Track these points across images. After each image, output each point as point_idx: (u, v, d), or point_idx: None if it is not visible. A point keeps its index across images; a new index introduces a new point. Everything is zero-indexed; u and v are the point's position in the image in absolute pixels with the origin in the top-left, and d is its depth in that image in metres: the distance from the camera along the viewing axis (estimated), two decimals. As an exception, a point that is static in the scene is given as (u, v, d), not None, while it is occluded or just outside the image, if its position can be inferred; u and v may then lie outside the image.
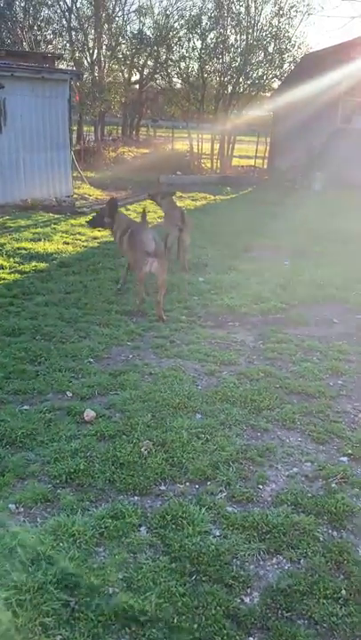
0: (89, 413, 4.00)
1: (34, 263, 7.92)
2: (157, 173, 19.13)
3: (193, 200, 15.49)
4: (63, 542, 2.80)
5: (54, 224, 10.77)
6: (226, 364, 4.98)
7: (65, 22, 25.99)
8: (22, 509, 3.08)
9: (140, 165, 21.19)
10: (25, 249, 8.48)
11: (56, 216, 11.49)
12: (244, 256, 8.92)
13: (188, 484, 3.37)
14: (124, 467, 3.45)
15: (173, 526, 2.98)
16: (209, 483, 3.38)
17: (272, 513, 3.10)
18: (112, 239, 9.65)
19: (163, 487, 3.33)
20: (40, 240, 9.25)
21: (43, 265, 7.89)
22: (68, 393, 4.34)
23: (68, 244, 9.23)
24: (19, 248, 8.59)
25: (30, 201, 12.44)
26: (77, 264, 8.03)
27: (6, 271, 7.58)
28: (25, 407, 4.10)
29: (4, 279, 7.18)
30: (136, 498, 3.22)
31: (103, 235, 10.04)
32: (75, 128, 25.72)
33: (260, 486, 3.38)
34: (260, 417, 4.12)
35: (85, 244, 9.29)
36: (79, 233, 10.09)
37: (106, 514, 3.02)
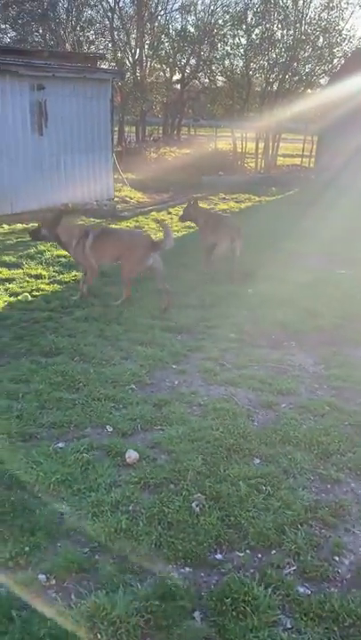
0: (131, 455, 3.51)
1: (74, 272, 7.52)
2: (199, 174, 18.61)
3: (237, 202, 14.91)
4: (102, 634, 2.32)
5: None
6: (284, 394, 4.42)
7: (107, 22, 25.76)
8: (54, 581, 2.62)
9: (181, 166, 20.67)
10: (65, 257, 8.06)
11: (97, 221, 11.12)
12: (295, 264, 8.29)
13: (248, 551, 2.84)
14: (172, 527, 2.95)
15: (234, 613, 2.45)
16: (274, 551, 2.84)
17: (354, 598, 2.54)
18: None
19: (219, 555, 2.81)
20: (80, 246, 8.85)
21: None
22: (108, 427, 3.87)
23: (108, 250, 8.80)
24: (58, 256, 8.21)
25: (71, 205, 12.12)
26: (118, 273, 7.57)
27: (45, 281, 7.21)
28: (60, 445, 3.65)
29: (42, 290, 6.81)
30: (188, 569, 2.72)
31: (145, 241, 9.59)
32: (116, 129, 25.53)
33: (336, 557, 2.82)
34: (329, 464, 3.55)
35: (127, 250, 8.84)
36: (120, 239, 9.65)
37: (152, 593, 2.52)
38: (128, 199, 14.30)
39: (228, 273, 7.48)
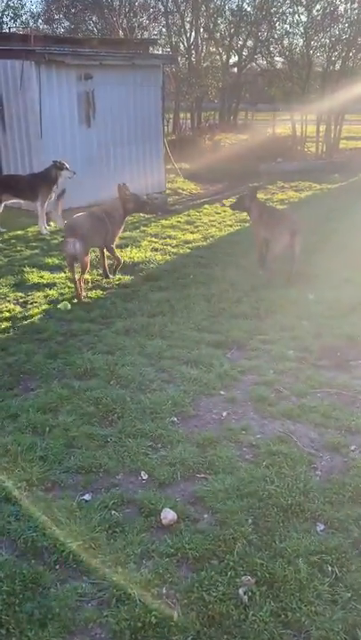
0: (167, 516, 2.94)
1: (118, 276, 7.01)
2: (257, 161, 17.69)
3: (296, 190, 13.96)
4: None
5: (144, 226, 9.84)
6: (353, 433, 3.71)
7: (161, 6, 25.01)
8: None
9: (238, 153, 19.76)
10: (109, 258, 7.57)
11: (146, 216, 10.56)
12: (363, 263, 7.43)
13: (311, 668, 2.21)
14: (214, 622, 2.36)
15: None
16: (344, 670, 2.20)
17: None
18: (204, 243, 8.65)
19: (272, 672, 2.20)
20: (127, 246, 8.34)
21: (127, 278, 6.96)
22: (142, 474, 3.32)
23: (156, 250, 8.24)
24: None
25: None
26: (165, 277, 7.01)
27: (88, 286, 6.74)
28: (86, 497, 3.13)
29: (86, 298, 6.33)
30: None
31: (195, 238, 8.97)
32: (171, 116, 24.87)
33: None
34: None
35: (175, 250, 8.25)
36: (169, 236, 9.07)
37: None
38: (181, 191, 13.68)
39: (286, 275, 6.75)
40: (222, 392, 4.25)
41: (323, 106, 19.02)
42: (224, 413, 3.96)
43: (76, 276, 6.26)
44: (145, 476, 3.30)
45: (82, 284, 6.33)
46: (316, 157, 19.48)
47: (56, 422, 3.79)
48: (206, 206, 11.78)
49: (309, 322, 5.57)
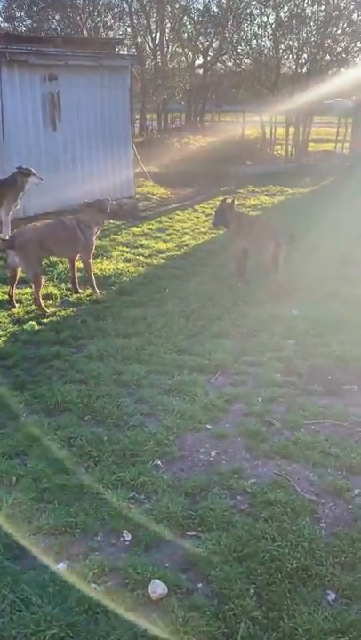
0: (156, 589, 2.55)
1: (89, 290, 6.56)
2: (226, 164, 17.40)
3: (268, 195, 13.72)
4: None
5: (114, 234, 9.40)
6: (356, 473, 3.38)
7: (126, 6, 24.54)
8: None
9: (207, 155, 19.44)
10: (79, 270, 7.05)
11: (116, 223, 10.12)
12: (346, 274, 7.17)
13: None
14: None
15: None
16: None
17: None
18: (178, 252, 8.26)
19: None
20: (97, 256, 7.88)
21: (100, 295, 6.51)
22: (125, 533, 2.91)
23: (129, 261, 7.81)
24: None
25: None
26: (140, 291, 6.60)
27: (56, 302, 6.27)
28: (61, 565, 2.71)
29: (52, 315, 5.86)
30: None
31: (169, 247, 8.58)
32: (137, 117, 24.41)
33: None
34: None
35: (149, 260, 7.84)
36: (142, 245, 8.66)
37: None
38: (150, 195, 13.27)
39: (267, 288, 6.43)
40: (209, 426, 3.87)
41: (292, 108, 18.91)
42: (213, 453, 3.58)
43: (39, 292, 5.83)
44: (128, 537, 2.89)
45: (39, 300, 5.90)
46: (286, 160, 19.38)
47: (24, 470, 3.34)
48: (178, 212, 11.40)
49: (296, 341, 5.24)
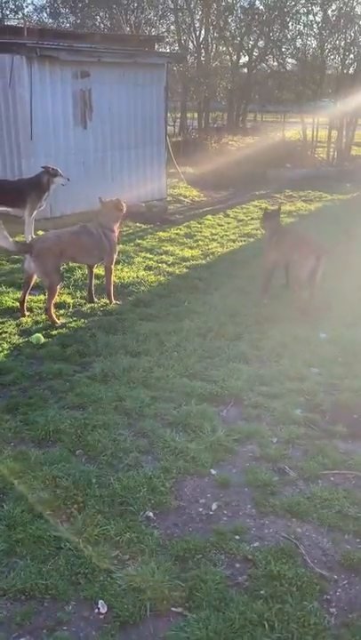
0: None
1: (103, 300, 6.20)
2: (265, 166, 16.82)
3: (305, 201, 13.13)
4: None
5: (139, 238, 9.03)
6: (377, 543, 2.89)
7: (170, 2, 24.14)
8: None
9: (245, 157, 18.86)
10: (97, 277, 6.68)
11: (143, 226, 9.77)
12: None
13: None
14: None
15: None
16: None
17: None
18: (203, 261, 7.82)
19: None
20: (118, 262, 7.51)
21: (113, 306, 6.14)
22: (100, 605, 2.51)
23: (150, 269, 7.42)
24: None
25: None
26: (157, 303, 6.20)
27: (68, 312, 5.94)
28: (21, 642, 2.33)
29: (60, 327, 5.51)
30: None
31: (194, 255, 8.15)
32: (178, 116, 24.02)
33: None
34: None
35: (171, 269, 7.42)
36: (166, 252, 8.26)
37: None
38: (182, 198, 12.86)
39: (295, 306, 5.94)
40: (213, 471, 3.43)
41: (336, 110, 18.18)
42: (213, 506, 3.14)
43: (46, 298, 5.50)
44: (103, 608, 2.49)
45: (50, 311, 5.57)
46: (327, 164, 18.64)
47: (0, 514, 2.98)
48: (208, 216, 10.96)
49: (321, 369, 4.74)
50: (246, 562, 2.75)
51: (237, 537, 2.90)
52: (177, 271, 7.32)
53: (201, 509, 3.12)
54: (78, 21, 25.04)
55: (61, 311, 5.92)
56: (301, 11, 19.63)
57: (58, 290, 5.74)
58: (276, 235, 6.24)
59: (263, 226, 6.52)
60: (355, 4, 18.24)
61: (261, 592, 2.56)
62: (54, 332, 5.39)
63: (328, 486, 3.29)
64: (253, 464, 3.49)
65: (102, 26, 25.21)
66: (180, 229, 9.76)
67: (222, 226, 10.23)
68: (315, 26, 19.17)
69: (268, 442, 3.72)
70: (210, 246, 8.69)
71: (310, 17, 19.33)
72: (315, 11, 19.08)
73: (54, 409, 4.00)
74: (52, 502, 3.08)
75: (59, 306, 5.99)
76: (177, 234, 9.45)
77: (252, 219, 10.85)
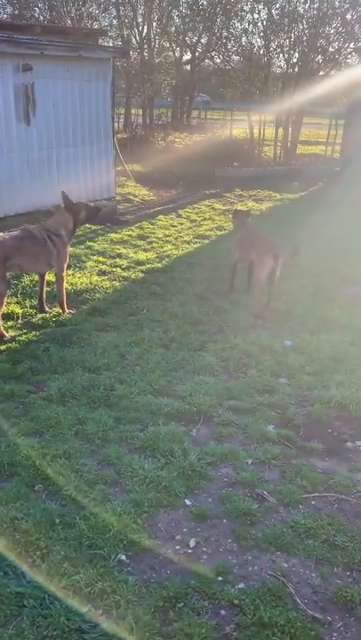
0: None
1: (55, 309, 5.82)
2: (212, 165, 16.68)
3: (256, 200, 13.06)
4: None
5: (90, 240, 8.64)
6: (369, 576, 2.71)
7: (112, -4, 23.61)
8: None
9: (192, 155, 18.71)
10: (48, 284, 6.28)
11: (93, 227, 9.36)
12: (343, 295, 6.53)
13: None
14: None
15: None
16: None
17: None
18: (159, 265, 7.54)
19: None
20: (70, 267, 7.11)
21: (67, 316, 5.76)
22: (72, 675, 2.20)
23: (104, 274, 7.06)
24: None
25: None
26: (114, 311, 5.87)
27: (18, 324, 5.51)
28: None
29: (9, 342, 5.09)
30: None
31: (149, 258, 7.85)
32: (122, 112, 23.53)
33: None
34: None
35: (126, 273, 7.08)
36: (119, 255, 7.92)
37: None
38: (132, 197, 12.50)
39: (256, 312, 5.77)
40: (188, 501, 3.16)
41: (282, 108, 18.26)
42: (191, 542, 2.88)
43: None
44: None
45: None
46: (274, 163, 18.72)
47: None
48: (161, 217, 10.67)
49: (289, 380, 4.57)
50: (233, 607, 2.51)
51: (220, 578, 2.65)
52: (132, 276, 7.00)
53: (178, 547, 2.85)
54: (16, 12, 24.14)
55: (10, 323, 5.50)
56: (245, 8, 19.57)
57: (5, 300, 5.31)
58: (240, 232, 6.18)
59: (233, 222, 6.64)
60: (298, 3, 18.32)
61: (252, 644, 2.32)
62: (3, 347, 4.97)
63: (311, 512, 3.10)
64: (230, 490, 3.25)
65: (42, 18, 24.40)
66: (133, 230, 9.43)
67: (175, 227, 9.97)
68: (260, 24, 19.16)
69: (243, 464, 3.49)
70: (164, 248, 8.41)
71: (255, 15, 19.28)
72: (259, 8, 19.04)
73: (8, 438, 3.62)
74: (12, 549, 2.73)
75: (6, 317, 5.56)
76: (129, 235, 9.12)
77: (204, 219, 10.66)
